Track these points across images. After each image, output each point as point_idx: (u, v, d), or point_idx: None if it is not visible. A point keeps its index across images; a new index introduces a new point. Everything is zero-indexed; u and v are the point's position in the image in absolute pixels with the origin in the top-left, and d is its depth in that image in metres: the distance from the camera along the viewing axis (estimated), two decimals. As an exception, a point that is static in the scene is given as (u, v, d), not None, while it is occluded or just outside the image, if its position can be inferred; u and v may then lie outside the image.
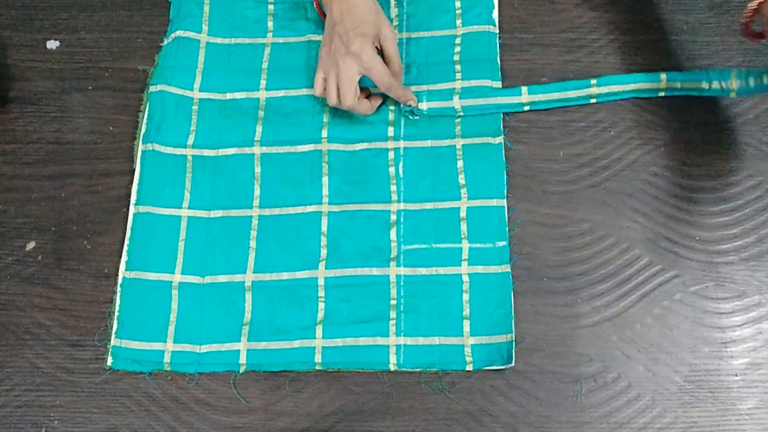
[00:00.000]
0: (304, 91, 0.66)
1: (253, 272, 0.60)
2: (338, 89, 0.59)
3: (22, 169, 0.66)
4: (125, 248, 0.61)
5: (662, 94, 0.64)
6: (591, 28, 0.68)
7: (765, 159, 0.62)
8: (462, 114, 0.64)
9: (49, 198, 0.64)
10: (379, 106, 0.64)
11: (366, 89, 0.63)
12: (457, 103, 0.64)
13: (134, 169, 0.64)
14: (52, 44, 0.71)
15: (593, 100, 0.64)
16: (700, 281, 0.59)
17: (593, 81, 0.63)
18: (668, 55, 0.66)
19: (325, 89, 0.60)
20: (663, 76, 0.63)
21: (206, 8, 0.70)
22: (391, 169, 0.63)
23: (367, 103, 0.62)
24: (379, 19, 0.59)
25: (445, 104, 0.64)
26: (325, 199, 0.62)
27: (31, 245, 0.63)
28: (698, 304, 0.58)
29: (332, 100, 0.60)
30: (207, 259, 0.61)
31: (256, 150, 0.64)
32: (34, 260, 0.62)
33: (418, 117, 0.64)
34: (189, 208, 0.63)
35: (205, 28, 0.70)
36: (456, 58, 0.67)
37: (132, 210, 0.62)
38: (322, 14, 0.64)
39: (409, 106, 0.63)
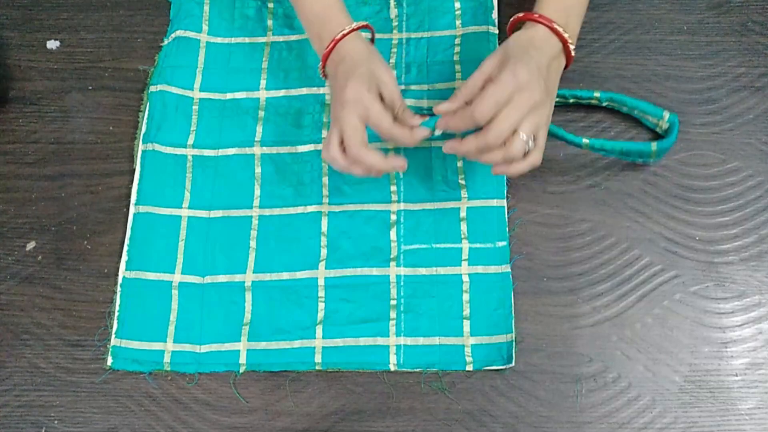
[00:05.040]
0: (304, 91, 0.66)
1: (253, 272, 0.60)
2: (342, 141, 0.53)
3: (22, 169, 0.66)
4: (125, 248, 0.61)
5: None
6: (590, 27, 0.68)
7: (765, 159, 0.62)
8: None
9: (49, 198, 0.64)
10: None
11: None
12: (457, 102, 0.64)
13: (134, 169, 0.64)
14: (52, 44, 0.71)
15: (596, 101, 0.63)
16: (700, 281, 0.59)
17: (596, 93, 0.63)
18: (668, 55, 0.66)
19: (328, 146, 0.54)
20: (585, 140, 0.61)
21: (206, 8, 0.70)
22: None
23: (377, 154, 0.53)
24: (372, 65, 0.54)
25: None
26: (325, 199, 0.62)
27: (31, 245, 0.63)
28: (698, 304, 0.58)
29: (326, 152, 0.54)
30: (207, 259, 0.61)
31: (257, 150, 0.64)
32: (34, 260, 0.62)
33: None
34: (189, 208, 0.63)
35: (205, 27, 0.70)
36: (456, 58, 0.67)
37: (132, 210, 0.62)
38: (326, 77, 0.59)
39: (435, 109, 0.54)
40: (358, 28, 0.57)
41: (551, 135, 0.58)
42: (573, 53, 0.54)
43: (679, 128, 0.61)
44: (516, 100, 0.49)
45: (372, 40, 0.61)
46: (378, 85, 0.54)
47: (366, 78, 0.53)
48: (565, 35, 0.53)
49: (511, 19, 0.55)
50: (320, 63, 0.57)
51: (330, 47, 0.56)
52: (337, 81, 0.55)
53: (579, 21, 0.56)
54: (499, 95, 0.49)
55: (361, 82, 0.52)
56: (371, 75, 0.53)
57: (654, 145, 0.60)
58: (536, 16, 0.53)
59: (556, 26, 0.52)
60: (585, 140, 0.60)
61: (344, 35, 0.55)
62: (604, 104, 0.63)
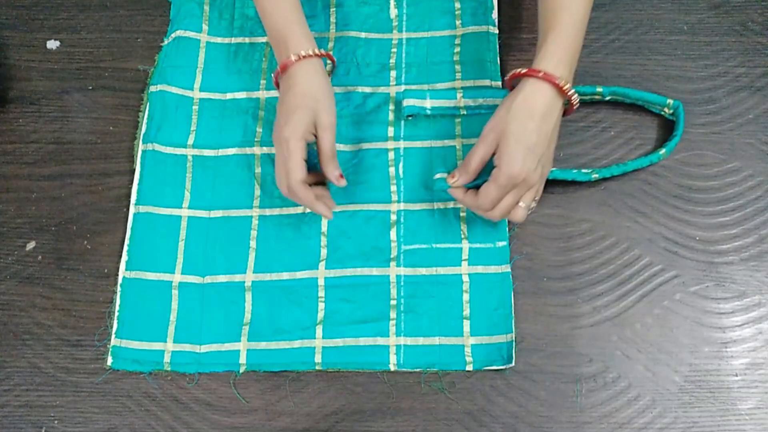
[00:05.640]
0: (304, 91, 0.66)
1: (253, 272, 0.60)
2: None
3: (22, 169, 0.66)
4: (125, 248, 0.61)
5: None
6: (590, 27, 0.68)
7: (765, 159, 0.62)
8: (465, 113, 0.64)
9: (49, 198, 0.64)
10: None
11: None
12: (460, 102, 0.64)
13: (134, 169, 0.64)
14: (52, 44, 0.71)
15: (599, 96, 0.63)
16: (700, 281, 0.59)
17: (599, 88, 0.63)
18: (668, 55, 0.66)
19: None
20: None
21: (206, 8, 0.70)
22: (391, 169, 0.63)
23: (310, 194, 0.55)
24: (318, 104, 0.55)
25: (448, 103, 0.64)
26: (325, 199, 0.62)
27: (31, 245, 0.63)
28: (698, 304, 0.58)
29: (281, 189, 0.56)
30: (207, 259, 0.61)
31: (257, 150, 0.64)
32: (34, 260, 0.62)
33: (412, 116, 0.64)
34: (189, 208, 0.63)
35: (205, 27, 0.70)
36: (456, 58, 0.67)
37: (132, 210, 0.62)
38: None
39: (447, 179, 0.57)
40: (315, 56, 0.56)
41: (562, 180, 0.60)
42: (576, 105, 0.53)
43: (684, 117, 0.61)
44: (514, 191, 0.53)
45: (332, 70, 0.61)
46: (317, 127, 0.56)
47: (304, 122, 0.54)
48: (571, 92, 0.51)
49: (511, 74, 0.54)
50: (273, 77, 0.58)
51: (279, 69, 0.56)
52: (281, 108, 0.56)
53: (577, 58, 0.54)
54: (499, 194, 0.52)
55: (297, 127, 0.54)
56: (312, 117, 0.55)
57: (663, 150, 0.61)
58: (540, 74, 0.51)
59: (560, 82, 0.51)
60: (594, 174, 0.60)
61: (297, 60, 0.55)
62: (607, 98, 0.63)
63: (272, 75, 0.59)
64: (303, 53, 0.56)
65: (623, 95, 0.63)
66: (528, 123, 0.51)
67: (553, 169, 0.59)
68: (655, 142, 0.63)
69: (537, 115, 0.51)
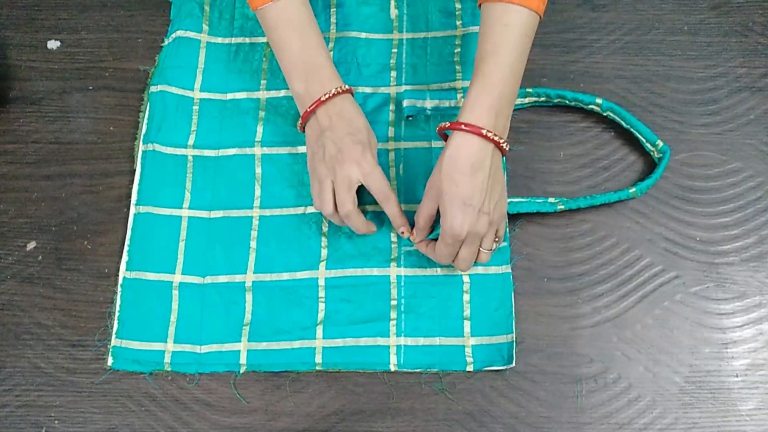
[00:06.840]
0: (305, 92, 0.66)
1: (254, 272, 0.60)
2: (335, 198, 0.56)
3: (22, 169, 0.66)
4: (125, 248, 0.61)
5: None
6: (591, 28, 0.68)
7: (766, 159, 0.62)
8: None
9: (50, 198, 0.64)
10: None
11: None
12: (461, 102, 0.64)
13: (135, 170, 0.64)
14: (52, 44, 0.71)
15: (597, 107, 0.63)
16: (700, 282, 0.59)
17: (598, 100, 0.63)
18: (669, 55, 0.66)
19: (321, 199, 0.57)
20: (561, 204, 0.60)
21: (207, 8, 0.70)
22: (392, 170, 0.63)
23: (363, 218, 0.57)
24: (369, 128, 0.57)
25: (448, 103, 0.64)
26: (326, 200, 0.62)
27: (31, 245, 0.63)
28: (699, 305, 0.58)
29: (327, 209, 0.56)
30: (207, 259, 0.61)
31: (257, 150, 0.64)
32: (34, 260, 0.62)
33: (412, 117, 0.64)
34: (189, 208, 0.63)
35: (205, 27, 0.70)
36: (456, 58, 0.67)
37: (132, 210, 0.62)
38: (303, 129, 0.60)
39: (400, 233, 0.58)
40: (349, 91, 0.58)
41: (525, 213, 0.60)
42: (507, 149, 0.52)
43: (667, 163, 0.61)
44: (465, 244, 0.53)
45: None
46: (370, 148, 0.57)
47: (367, 142, 0.56)
48: (497, 138, 0.50)
49: (438, 127, 0.54)
50: (305, 113, 0.57)
51: (317, 102, 0.56)
52: (336, 132, 0.55)
53: (512, 103, 0.53)
54: (450, 250, 0.53)
55: (366, 146, 0.55)
56: (369, 137, 0.57)
57: (633, 189, 0.60)
58: (464, 126, 0.50)
59: (485, 132, 0.50)
60: (560, 206, 0.59)
61: (339, 93, 0.56)
62: (605, 114, 0.63)
63: (299, 123, 0.59)
64: (345, 87, 0.57)
65: (620, 116, 0.62)
66: (459, 179, 0.50)
67: (519, 200, 0.59)
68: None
69: (467, 168, 0.50)
